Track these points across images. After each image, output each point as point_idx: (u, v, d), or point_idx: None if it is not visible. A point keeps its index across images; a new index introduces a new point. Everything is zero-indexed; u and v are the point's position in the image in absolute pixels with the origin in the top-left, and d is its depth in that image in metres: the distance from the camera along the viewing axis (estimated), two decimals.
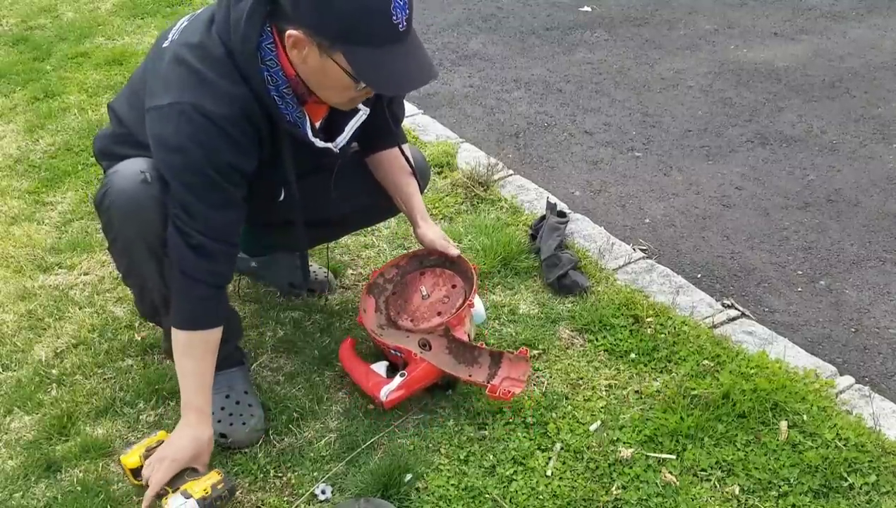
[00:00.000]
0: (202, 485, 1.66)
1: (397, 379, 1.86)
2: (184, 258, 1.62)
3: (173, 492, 1.64)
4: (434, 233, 1.97)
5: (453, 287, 1.98)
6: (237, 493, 1.74)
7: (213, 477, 1.67)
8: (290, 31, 1.51)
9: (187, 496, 1.63)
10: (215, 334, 1.69)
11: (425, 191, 2.23)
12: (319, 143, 1.72)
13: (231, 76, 1.56)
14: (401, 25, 1.49)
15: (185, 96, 1.54)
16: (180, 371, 1.70)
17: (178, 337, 1.67)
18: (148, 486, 1.65)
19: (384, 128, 1.93)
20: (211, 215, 1.61)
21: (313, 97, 1.65)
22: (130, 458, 1.72)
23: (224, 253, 1.66)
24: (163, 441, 1.73)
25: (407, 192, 1.97)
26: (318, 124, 1.75)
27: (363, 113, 1.79)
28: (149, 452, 1.72)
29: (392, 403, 1.85)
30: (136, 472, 1.72)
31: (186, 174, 1.57)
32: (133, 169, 1.64)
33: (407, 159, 1.98)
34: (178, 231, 1.61)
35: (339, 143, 1.78)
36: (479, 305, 2.05)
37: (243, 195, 1.66)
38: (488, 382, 1.85)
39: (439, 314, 1.94)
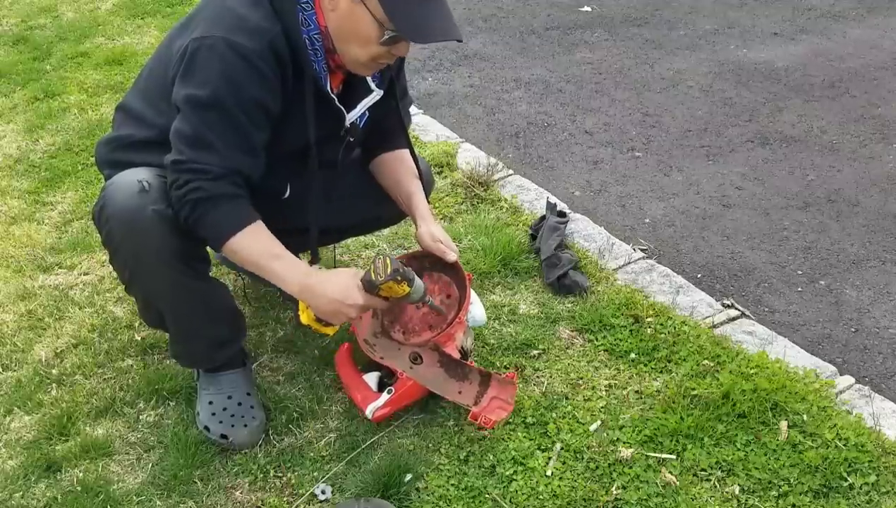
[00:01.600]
0: (399, 289, 1.68)
1: (384, 396, 1.87)
2: (204, 187, 1.56)
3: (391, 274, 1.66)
4: (432, 235, 1.90)
5: (448, 297, 1.97)
6: (238, 493, 1.74)
7: (384, 264, 1.66)
8: None
9: (411, 277, 1.68)
10: (261, 222, 1.65)
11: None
12: (337, 103, 1.73)
13: (264, 12, 1.57)
14: None
15: (213, 30, 1.54)
16: (268, 263, 1.64)
17: (242, 241, 1.61)
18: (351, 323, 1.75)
19: (396, 129, 1.93)
20: (229, 154, 1.58)
21: (335, 58, 1.65)
22: (303, 315, 1.73)
23: (242, 183, 1.61)
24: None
25: (408, 191, 1.95)
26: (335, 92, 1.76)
27: (376, 94, 1.81)
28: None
29: (378, 419, 1.87)
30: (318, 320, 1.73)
31: (209, 110, 1.55)
32: (130, 179, 1.63)
33: (416, 161, 1.98)
34: (189, 172, 1.55)
35: (352, 118, 1.79)
36: (479, 309, 2.05)
37: (263, 141, 1.63)
38: (476, 402, 1.87)
39: (430, 327, 1.94)
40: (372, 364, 1.96)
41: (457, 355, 1.89)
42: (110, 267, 2.46)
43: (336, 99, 1.73)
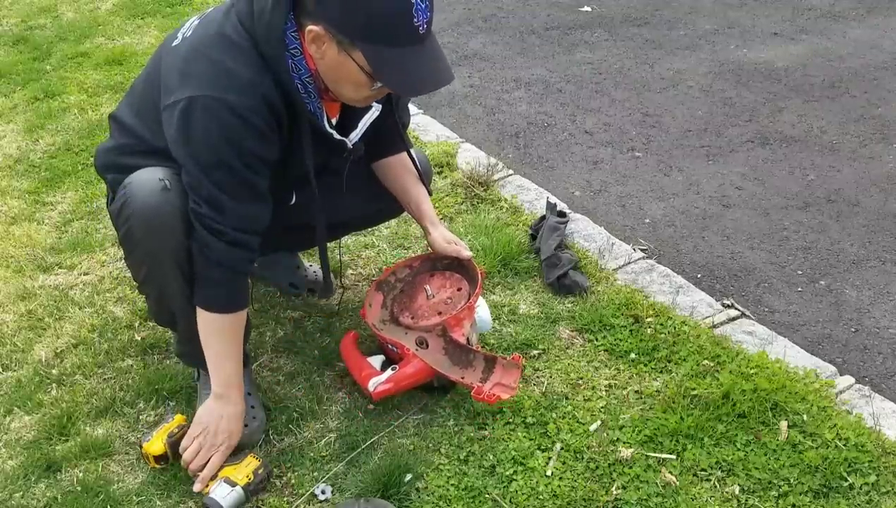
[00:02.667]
0: (244, 472, 1.70)
1: (387, 373, 1.88)
2: (218, 251, 1.64)
3: (213, 479, 1.68)
4: (445, 237, 1.99)
5: (458, 290, 2.00)
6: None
7: (253, 463, 1.72)
8: (311, 27, 1.53)
9: (232, 484, 1.67)
10: (245, 312, 1.75)
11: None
12: (336, 135, 1.74)
13: (253, 63, 1.57)
14: (421, 28, 1.51)
15: (205, 89, 1.54)
16: (216, 352, 1.74)
17: (215, 319, 1.70)
18: (185, 463, 1.75)
19: (393, 134, 1.94)
20: (241, 210, 1.63)
21: (329, 94, 1.66)
22: (154, 445, 1.76)
23: (255, 241, 1.68)
24: (182, 426, 1.78)
25: (417, 199, 2.00)
26: (333, 121, 1.76)
27: (375, 110, 1.81)
28: (171, 437, 1.77)
29: (380, 395, 1.86)
30: (159, 458, 1.77)
31: (213, 170, 1.58)
32: (151, 177, 1.63)
33: (415, 164, 2.00)
34: (208, 229, 1.62)
35: (353, 139, 1.80)
36: (486, 314, 2.06)
37: (266, 186, 1.67)
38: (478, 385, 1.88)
39: (440, 314, 1.95)
40: (378, 351, 1.98)
41: (463, 341, 1.91)
42: (110, 261, 2.48)
43: (335, 132, 1.74)
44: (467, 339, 1.92)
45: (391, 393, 1.87)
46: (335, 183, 1.87)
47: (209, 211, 1.61)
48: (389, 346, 1.93)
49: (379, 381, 1.86)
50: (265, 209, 1.69)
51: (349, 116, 1.80)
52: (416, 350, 1.89)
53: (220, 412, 1.75)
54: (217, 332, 1.72)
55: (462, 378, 1.88)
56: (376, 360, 1.95)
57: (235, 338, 1.74)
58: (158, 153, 1.68)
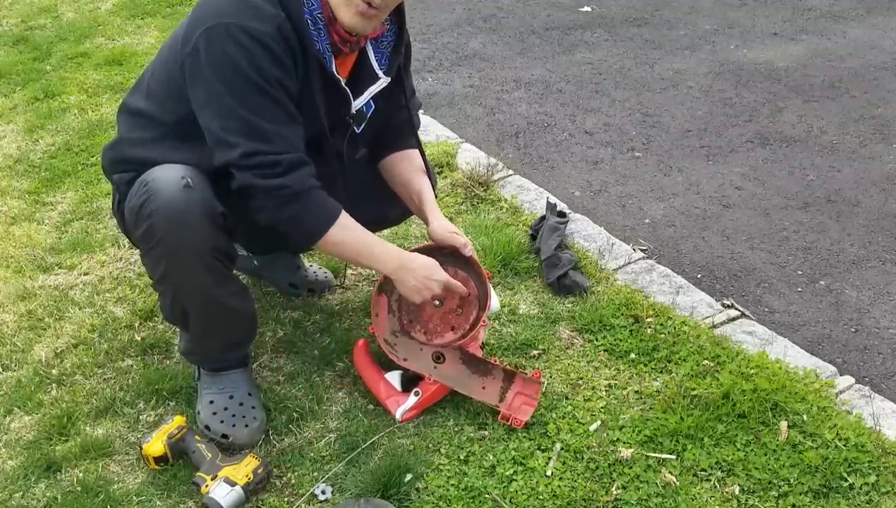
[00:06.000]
0: (243, 472, 1.71)
1: (412, 399, 1.90)
2: (284, 184, 1.62)
3: (212, 479, 1.69)
4: (445, 227, 1.94)
5: (467, 294, 1.97)
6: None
7: (252, 463, 1.73)
8: None
9: (231, 483, 1.68)
10: (342, 208, 1.74)
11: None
12: (343, 83, 1.74)
13: None
14: None
15: (222, 17, 1.57)
16: (364, 248, 1.77)
17: (335, 234, 1.69)
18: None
19: (403, 129, 1.95)
20: (283, 132, 1.62)
21: (338, 29, 1.66)
22: (154, 447, 1.77)
23: (306, 157, 1.67)
24: (182, 427, 1.79)
25: (419, 190, 1.97)
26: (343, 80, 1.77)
27: (383, 81, 1.82)
28: (171, 438, 1.77)
29: (406, 420, 1.90)
30: (159, 460, 1.77)
31: (244, 93, 1.58)
32: (173, 175, 1.63)
33: (425, 161, 2.00)
34: (260, 171, 1.60)
35: (358, 104, 1.80)
36: (493, 298, 2.05)
37: (297, 113, 1.66)
38: (501, 399, 1.89)
39: (452, 328, 1.95)
40: (392, 362, 1.97)
41: (480, 354, 1.93)
42: (110, 261, 2.48)
43: (342, 81, 1.74)
44: (481, 343, 1.93)
45: (417, 415, 1.91)
46: (335, 184, 1.86)
47: (250, 143, 1.59)
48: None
49: (406, 409, 1.90)
50: (301, 130, 1.67)
51: (356, 84, 1.80)
52: (435, 368, 1.91)
53: (413, 272, 1.80)
54: (344, 241, 1.72)
55: (483, 388, 1.90)
56: (395, 377, 1.95)
57: (358, 226, 1.74)
58: (167, 138, 1.68)
